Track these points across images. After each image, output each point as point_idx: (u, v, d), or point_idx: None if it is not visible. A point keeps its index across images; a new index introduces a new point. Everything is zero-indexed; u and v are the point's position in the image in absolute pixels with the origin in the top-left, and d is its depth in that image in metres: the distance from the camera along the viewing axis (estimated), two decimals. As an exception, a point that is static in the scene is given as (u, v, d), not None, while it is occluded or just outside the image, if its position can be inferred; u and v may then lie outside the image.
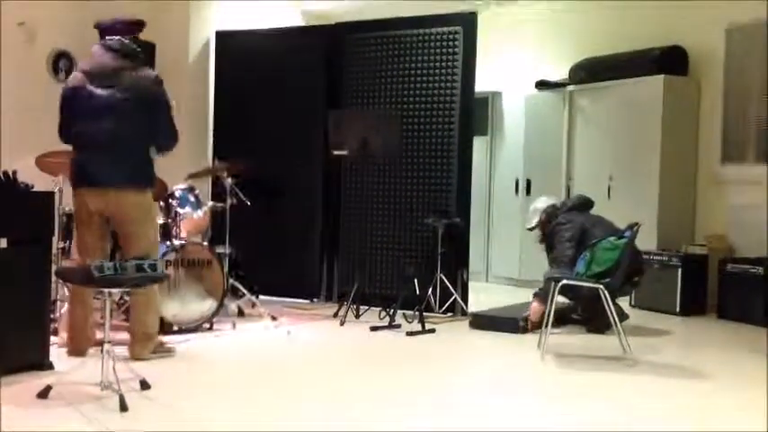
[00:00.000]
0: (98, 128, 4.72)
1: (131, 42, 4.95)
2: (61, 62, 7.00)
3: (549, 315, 5.34)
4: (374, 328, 6.09)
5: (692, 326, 6.72)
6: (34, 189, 4.64)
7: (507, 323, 6.10)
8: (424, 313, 6.23)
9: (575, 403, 4.26)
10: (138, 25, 5.16)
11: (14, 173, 4.52)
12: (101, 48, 4.88)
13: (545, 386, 4.67)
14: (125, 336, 4.96)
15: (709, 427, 3.87)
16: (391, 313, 6.26)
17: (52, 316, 5.14)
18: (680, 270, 7.11)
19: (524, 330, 6.03)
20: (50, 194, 4.85)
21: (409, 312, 6.35)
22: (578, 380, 4.77)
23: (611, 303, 5.21)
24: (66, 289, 5.62)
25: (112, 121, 4.73)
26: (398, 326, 6.16)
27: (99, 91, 4.76)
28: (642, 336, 6.07)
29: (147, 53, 7.03)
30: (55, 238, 5.15)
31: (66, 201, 5.63)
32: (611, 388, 4.58)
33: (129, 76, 4.81)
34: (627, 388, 4.59)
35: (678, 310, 7.08)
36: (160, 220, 5.99)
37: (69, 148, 4.97)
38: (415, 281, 6.48)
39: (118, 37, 4.90)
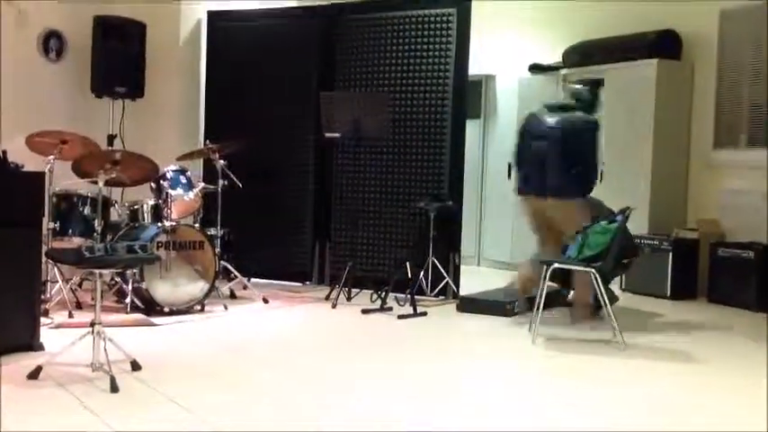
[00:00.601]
0: None
1: None
2: (52, 42, 6.94)
3: (540, 298, 5.35)
4: (365, 311, 6.10)
5: (682, 310, 6.74)
6: (24, 169, 4.61)
7: (494, 306, 6.11)
8: (416, 296, 6.24)
9: (566, 387, 4.27)
10: None
11: (4, 153, 4.49)
12: None
13: (536, 370, 4.69)
14: (117, 317, 4.95)
15: (700, 410, 3.89)
16: (383, 296, 6.26)
17: (42, 297, 5.13)
18: (671, 254, 7.13)
19: (512, 313, 6.04)
20: (41, 175, 4.82)
21: (401, 295, 6.36)
22: (569, 363, 4.79)
23: (602, 287, 5.22)
24: (56, 270, 5.62)
25: None
26: (390, 309, 6.16)
27: None
28: (633, 319, 6.09)
29: (137, 33, 7.06)
30: (45, 219, 5.13)
31: (56, 181, 5.61)
32: (601, 371, 4.59)
33: None
34: (618, 371, 4.61)
35: (669, 293, 7.11)
36: (151, 202, 5.98)
37: (60, 127, 4.91)
38: (407, 264, 6.48)
39: None
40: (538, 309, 5.33)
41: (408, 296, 6.19)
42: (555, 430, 3.55)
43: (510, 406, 3.90)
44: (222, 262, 6.29)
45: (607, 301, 5.27)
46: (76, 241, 5.66)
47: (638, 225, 7.15)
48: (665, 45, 7.65)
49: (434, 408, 3.80)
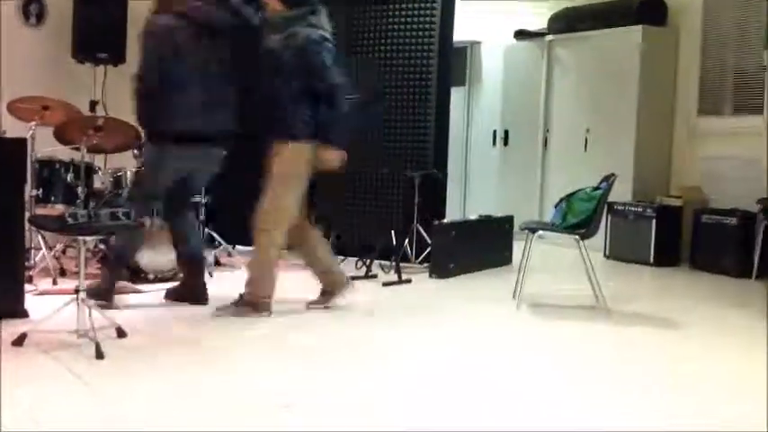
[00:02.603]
0: None
1: None
2: (32, 6, 6.83)
3: (525, 263, 5.37)
4: (350, 278, 6.09)
5: (665, 276, 6.80)
6: (6, 135, 4.56)
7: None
8: (401, 264, 6.25)
9: (552, 354, 4.31)
10: None
11: (-15, 119, 4.45)
12: None
13: (522, 337, 4.72)
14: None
15: (683, 375, 3.93)
16: (368, 263, 6.27)
17: (26, 264, 5.10)
18: (654, 221, 7.17)
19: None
20: (23, 141, 4.76)
21: (386, 263, 6.37)
22: (553, 330, 4.83)
23: (587, 254, 5.24)
24: (40, 237, 5.58)
25: None
26: (375, 276, 6.18)
27: None
28: (616, 286, 6.13)
29: None
30: (27, 186, 5.09)
31: (38, 147, 5.56)
32: (587, 338, 4.63)
33: None
34: (602, 338, 4.65)
35: (652, 261, 7.16)
36: (134, 169, 5.94)
37: (40, 93, 4.86)
38: (392, 231, 6.48)
39: None
40: (523, 274, 5.36)
41: (393, 263, 6.20)
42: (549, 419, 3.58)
43: (495, 373, 3.93)
44: (206, 229, 6.27)
45: (592, 269, 5.28)
46: (59, 208, 5.62)
47: (622, 192, 7.18)
48: (650, 11, 7.64)
49: (421, 382, 3.82)
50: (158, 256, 5.69)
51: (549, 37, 8.43)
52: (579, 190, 5.53)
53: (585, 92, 8.08)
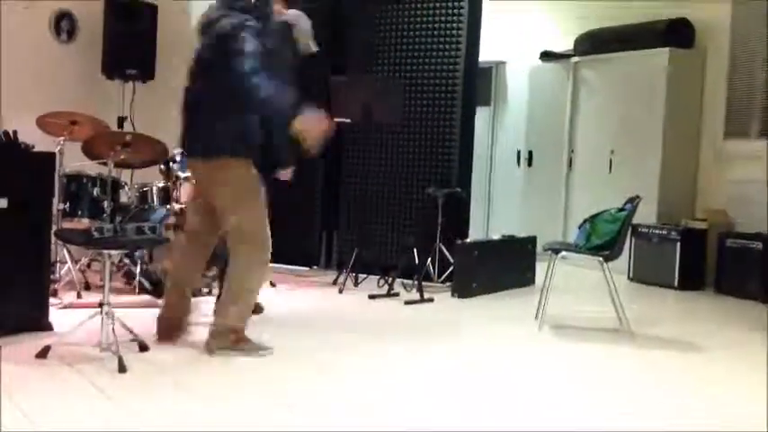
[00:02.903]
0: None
1: None
2: (63, 22, 6.94)
3: (548, 284, 5.35)
4: (372, 297, 6.11)
5: (689, 300, 6.74)
6: (35, 150, 4.62)
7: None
8: (423, 283, 6.24)
9: (573, 374, 4.28)
10: None
11: (15, 133, 4.50)
12: None
13: (544, 358, 4.69)
14: (125, 299, 4.96)
15: (707, 397, 3.89)
16: (390, 282, 6.27)
17: (52, 277, 5.15)
18: (679, 244, 7.11)
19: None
20: (51, 155, 4.83)
21: (408, 281, 6.36)
22: (575, 351, 4.80)
23: (611, 276, 5.21)
24: (65, 250, 5.64)
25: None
26: (397, 294, 6.17)
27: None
28: (639, 309, 6.08)
29: (148, 15, 7.03)
30: (55, 200, 5.15)
31: (66, 162, 5.62)
32: (610, 361, 4.60)
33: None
34: (625, 361, 4.61)
35: (676, 284, 7.09)
36: (160, 184, 5.99)
37: (70, 108, 4.88)
38: (415, 250, 6.48)
39: None
40: (545, 295, 5.34)
41: (415, 282, 6.19)
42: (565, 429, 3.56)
43: (516, 394, 3.92)
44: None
45: (615, 290, 5.25)
46: (86, 222, 5.67)
47: (646, 214, 7.14)
48: (677, 33, 7.61)
49: (438, 399, 3.82)
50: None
51: (575, 58, 8.42)
52: (604, 211, 5.51)
53: (611, 113, 8.05)
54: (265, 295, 4.88)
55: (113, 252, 4.30)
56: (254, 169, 4.20)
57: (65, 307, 5.12)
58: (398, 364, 4.32)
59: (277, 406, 3.49)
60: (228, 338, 4.22)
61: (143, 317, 4.96)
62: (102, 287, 4.07)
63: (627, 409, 3.68)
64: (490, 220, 9.36)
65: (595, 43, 8.20)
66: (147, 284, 5.68)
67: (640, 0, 7.96)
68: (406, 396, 3.75)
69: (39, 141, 4.88)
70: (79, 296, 5.45)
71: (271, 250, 4.31)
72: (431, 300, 6.08)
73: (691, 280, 7.11)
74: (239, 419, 3.29)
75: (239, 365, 4.11)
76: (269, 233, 4.28)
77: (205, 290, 5.64)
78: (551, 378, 4.20)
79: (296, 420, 3.32)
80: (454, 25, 6.78)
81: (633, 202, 5.44)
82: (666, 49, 7.50)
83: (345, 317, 5.56)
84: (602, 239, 5.31)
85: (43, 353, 3.96)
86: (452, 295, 6.27)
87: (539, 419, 3.50)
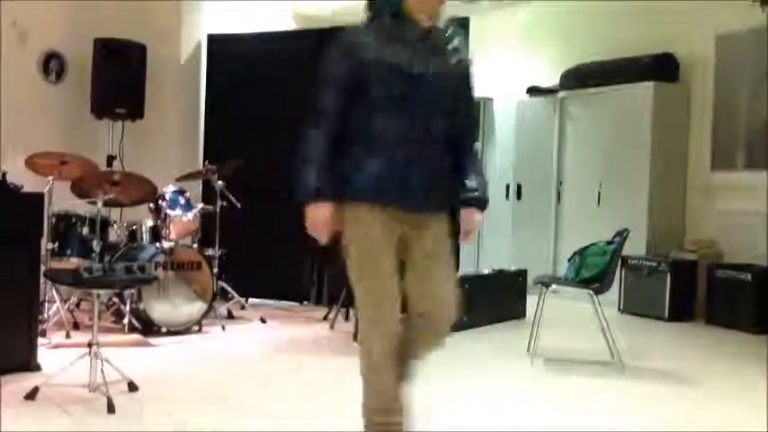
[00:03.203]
0: None
1: None
2: (52, 63, 6.98)
3: (538, 317, 5.35)
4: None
5: (680, 331, 6.74)
6: (24, 190, 4.62)
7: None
8: (414, 317, 6.21)
9: (567, 409, 4.27)
10: None
11: (4, 174, 4.51)
12: None
13: (537, 392, 4.68)
14: (115, 338, 4.93)
15: (701, 427, 3.89)
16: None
17: (40, 317, 5.12)
18: (669, 275, 7.13)
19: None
20: (40, 195, 4.83)
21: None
22: (569, 385, 4.78)
23: (601, 309, 5.22)
24: (54, 290, 5.61)
25: None
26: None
27: None
28: (630, 341, 6.08)
29: (137, 55, 7.08)
30: (44, 240, 5.14)
31: (55, 202, 5.62)
32: (602, 393, 4.59)
33: None
34: (617, 394, 4.60)
35: (667, 315, 7.10)
36: (150, 223, 5.99)
37: (59, 148, 4.91)
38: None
39: None
40: (536, 328, 5.33)
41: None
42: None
43: (510, 428, 3.90)
44: (220, 282, 6.30)
45: (606, 324, 5.26)
46: (75, 262, 5.65)
47: (635, 246, 7.17)
48: (662, 68, 7.71)
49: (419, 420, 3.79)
50: (172, 309, 5.70)
51: (562, 93, 8.50)
52: (593, 244, 5.54)
53: (598, 147, 8.12)
54: (256, 332, 4.83)
55: (102, 292, 4.29)
56: None
57: (54, 347, 5.09)
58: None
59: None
60: None
61: (132, 356, 4.95)
62: (92, 327, 4.06)
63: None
64: (480, 253, 9.37)
65: (581, 78, 8.29)
66: (136, 323, 5.66)
67: (626, 36, 8.07)
68: None
69: (28, 181, 4.89)
70: (68, 336, 5.41)
71: None
72: (422, 335, 6.04)
73: (681, 311, 7.13)
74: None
75: (231, 402, 4.08)
76: None
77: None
78: (545, 411, 4.19)
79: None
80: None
81: (622, 234, 5.47)
82: (651, 83, 7.58)
83: (335, 352, 5.52)
84: (591, 272, 5.33)
85: (32, 394, 3.92)
86: (443, 330, 6.25)
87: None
